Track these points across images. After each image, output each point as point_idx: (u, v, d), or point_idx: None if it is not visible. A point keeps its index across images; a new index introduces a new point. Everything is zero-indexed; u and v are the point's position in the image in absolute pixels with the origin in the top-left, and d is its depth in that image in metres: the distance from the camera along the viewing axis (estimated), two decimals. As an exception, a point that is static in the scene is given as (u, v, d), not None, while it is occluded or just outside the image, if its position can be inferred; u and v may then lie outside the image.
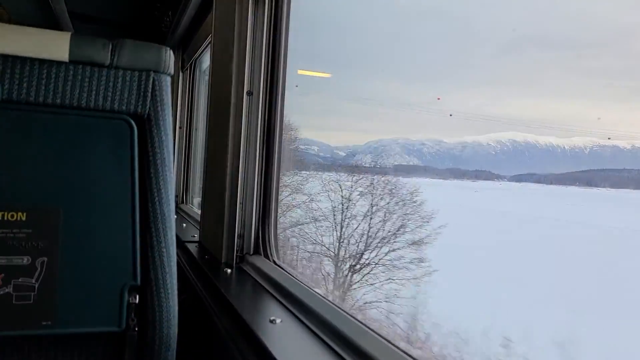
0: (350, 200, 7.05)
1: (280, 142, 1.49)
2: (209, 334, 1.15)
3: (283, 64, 1.47)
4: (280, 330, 0.95)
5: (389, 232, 6.58)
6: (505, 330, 4.23)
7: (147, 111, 0.91)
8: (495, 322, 4.38)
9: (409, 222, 6.57)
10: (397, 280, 5.95)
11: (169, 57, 0.93)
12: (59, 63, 0.85)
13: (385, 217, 6.81)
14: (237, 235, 1.47)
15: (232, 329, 1.01)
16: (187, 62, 3.05)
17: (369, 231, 6.66)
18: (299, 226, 7.04)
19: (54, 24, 3.07)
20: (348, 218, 6.95)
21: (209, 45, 1.86)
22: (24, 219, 0.82)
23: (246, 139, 1.47)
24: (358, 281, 6.28)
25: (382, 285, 5.97)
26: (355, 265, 6.55)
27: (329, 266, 6.66)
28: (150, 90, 0.91)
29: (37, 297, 0.82)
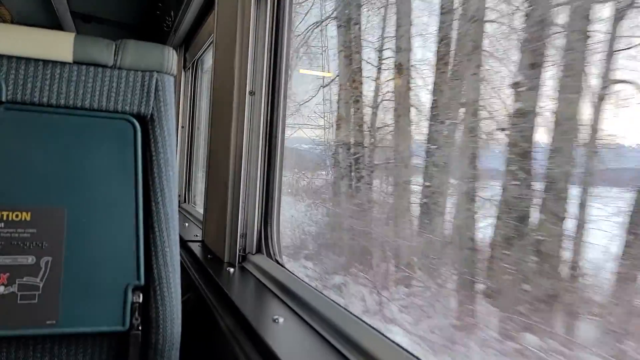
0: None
1: (282, 142, 1.49)
2: (212, 333, 1.15)
3: (285, 63, 1.47)
4: (282, 329, 0.95)
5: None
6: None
7: (150, 111, 0.92)
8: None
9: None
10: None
11: (172, 57, 0.94)
12: (63, 64, 0.86)
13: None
14: (240, 235, 1.47)
15: (235, 328, 1.01)
16: (189, 61, 3.05)
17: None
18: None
19: (56, 24, 3.08)
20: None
21: (211, 44, 1.86)
22: (28, 218, 0.83)
23: (248, 138, 1.47)
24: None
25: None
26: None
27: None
28: (153, 91, 0.91)
29: (41, 297, 0.83)
